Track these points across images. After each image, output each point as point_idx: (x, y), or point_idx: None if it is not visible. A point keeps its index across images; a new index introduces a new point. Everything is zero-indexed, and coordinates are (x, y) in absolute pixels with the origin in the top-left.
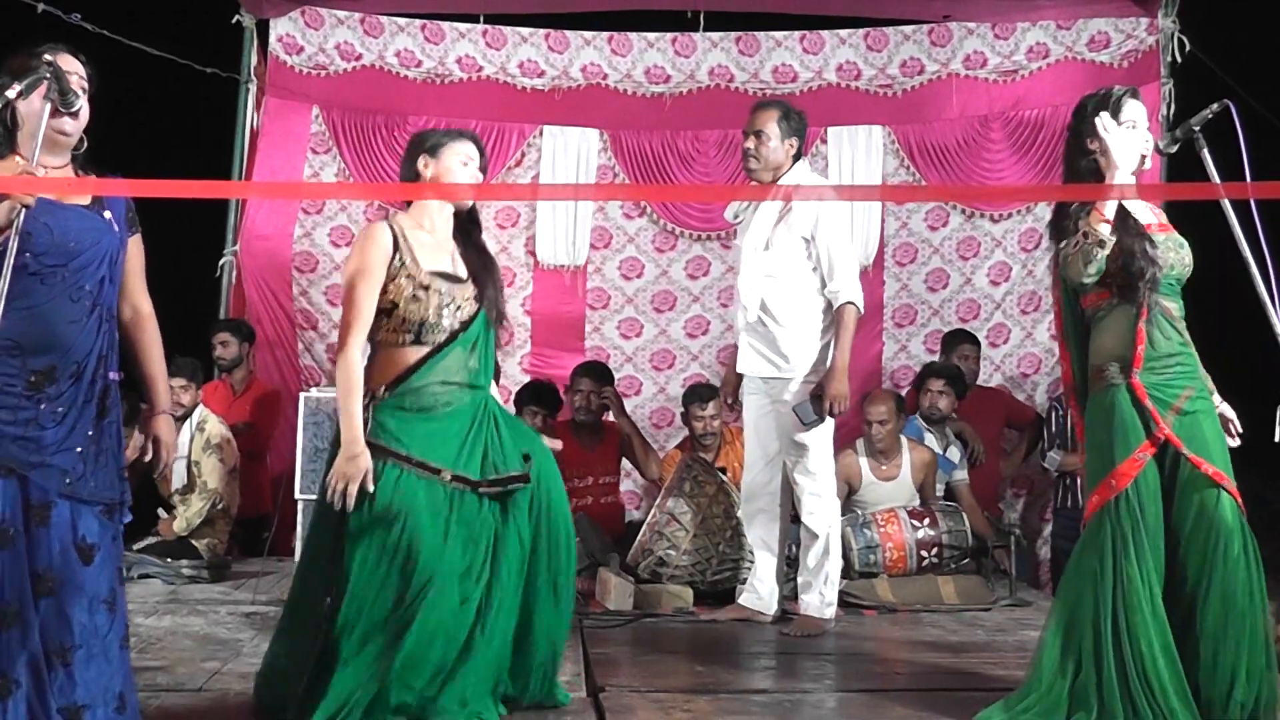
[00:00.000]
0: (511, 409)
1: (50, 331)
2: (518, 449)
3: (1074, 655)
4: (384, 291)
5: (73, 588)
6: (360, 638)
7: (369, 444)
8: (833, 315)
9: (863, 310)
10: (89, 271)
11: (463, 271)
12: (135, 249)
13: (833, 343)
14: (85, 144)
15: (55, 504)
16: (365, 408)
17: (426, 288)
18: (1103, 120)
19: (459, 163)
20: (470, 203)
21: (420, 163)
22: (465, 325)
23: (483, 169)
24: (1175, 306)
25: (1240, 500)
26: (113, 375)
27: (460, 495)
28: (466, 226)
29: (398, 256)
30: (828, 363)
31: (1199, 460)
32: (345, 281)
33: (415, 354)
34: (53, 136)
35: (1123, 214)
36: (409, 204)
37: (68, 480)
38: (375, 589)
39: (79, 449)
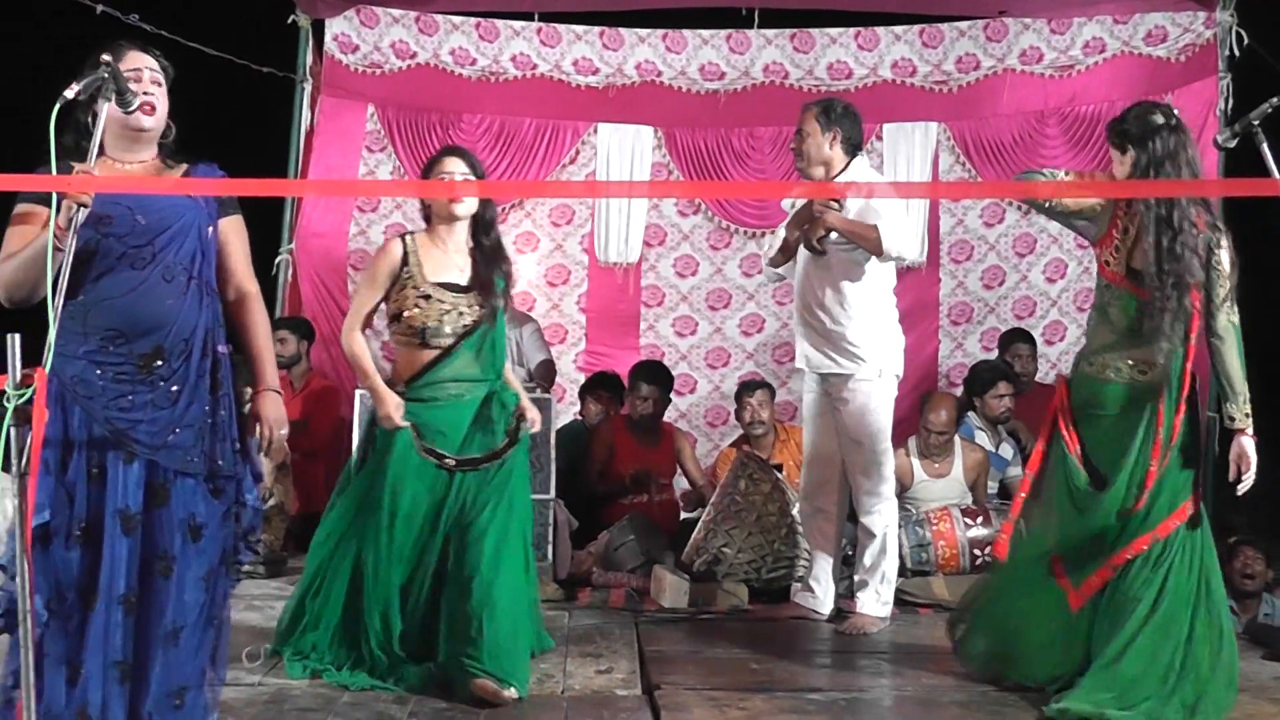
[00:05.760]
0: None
1: (150, 313)
2: (504, 428)
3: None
4: (394, 300)
5: (186, 566)
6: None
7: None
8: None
9: (900, 254)
10: (175, 246)
11: (467, 282)
12: (235, 231)
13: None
14: (174, 131)
15: (174, 482)
16: None
17: (428, 297)
18: None
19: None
20: (474, 209)
21: None
22: (469, 329)
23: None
24: None
25: None
26: (221, 349)
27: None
28: (480, 235)
29: (405, 269)
30: (887, 358)
31: None
32: (359, 282)
33: (426, 355)
34: (130, 133)
35: None
36: (428, 221)
37: (188, 457)
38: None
39: (196, 425)
